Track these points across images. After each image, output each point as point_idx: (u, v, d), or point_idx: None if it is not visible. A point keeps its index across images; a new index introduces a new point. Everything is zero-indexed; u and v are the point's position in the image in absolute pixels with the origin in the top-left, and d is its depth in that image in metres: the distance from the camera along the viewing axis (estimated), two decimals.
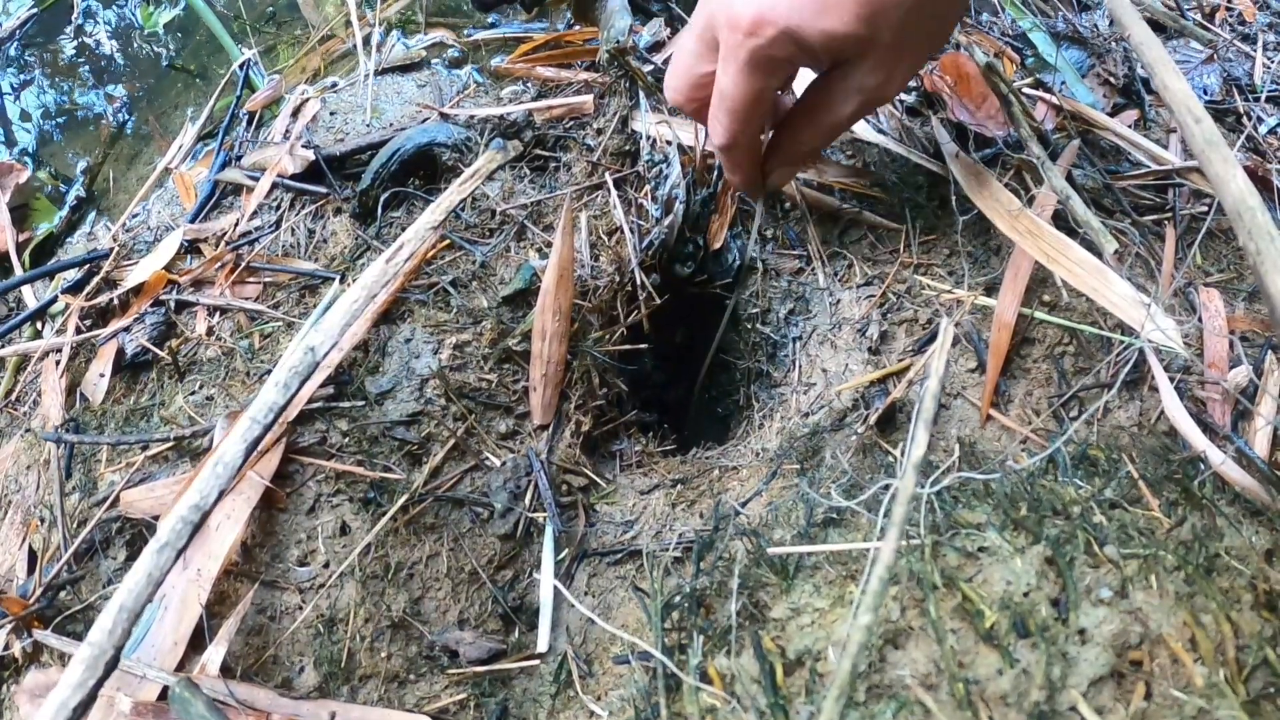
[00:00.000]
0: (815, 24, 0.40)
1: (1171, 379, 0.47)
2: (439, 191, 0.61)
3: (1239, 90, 0.71)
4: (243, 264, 0.65)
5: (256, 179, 0.71)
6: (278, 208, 0.69)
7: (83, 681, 0.33)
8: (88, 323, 0.66)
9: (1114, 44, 0.74)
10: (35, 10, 1.01)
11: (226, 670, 0.45)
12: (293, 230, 0.67)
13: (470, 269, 0.60)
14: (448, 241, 0.61)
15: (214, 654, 0.45)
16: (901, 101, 0.67)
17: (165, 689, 0.43)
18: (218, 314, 0.63)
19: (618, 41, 0.67)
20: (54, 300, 0.69)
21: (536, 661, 0.48)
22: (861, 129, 0.64)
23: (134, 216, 0.77)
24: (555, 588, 0.50)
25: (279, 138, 0.75)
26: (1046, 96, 0.66)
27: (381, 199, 0.65)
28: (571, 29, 0.81)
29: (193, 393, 0.58)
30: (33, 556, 0.56)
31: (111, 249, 0.70)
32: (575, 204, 0.64)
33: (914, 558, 0.40)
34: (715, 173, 0.64)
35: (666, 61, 0.71)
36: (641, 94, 0.67)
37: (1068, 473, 0.44)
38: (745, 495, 0.54)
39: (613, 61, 0.68)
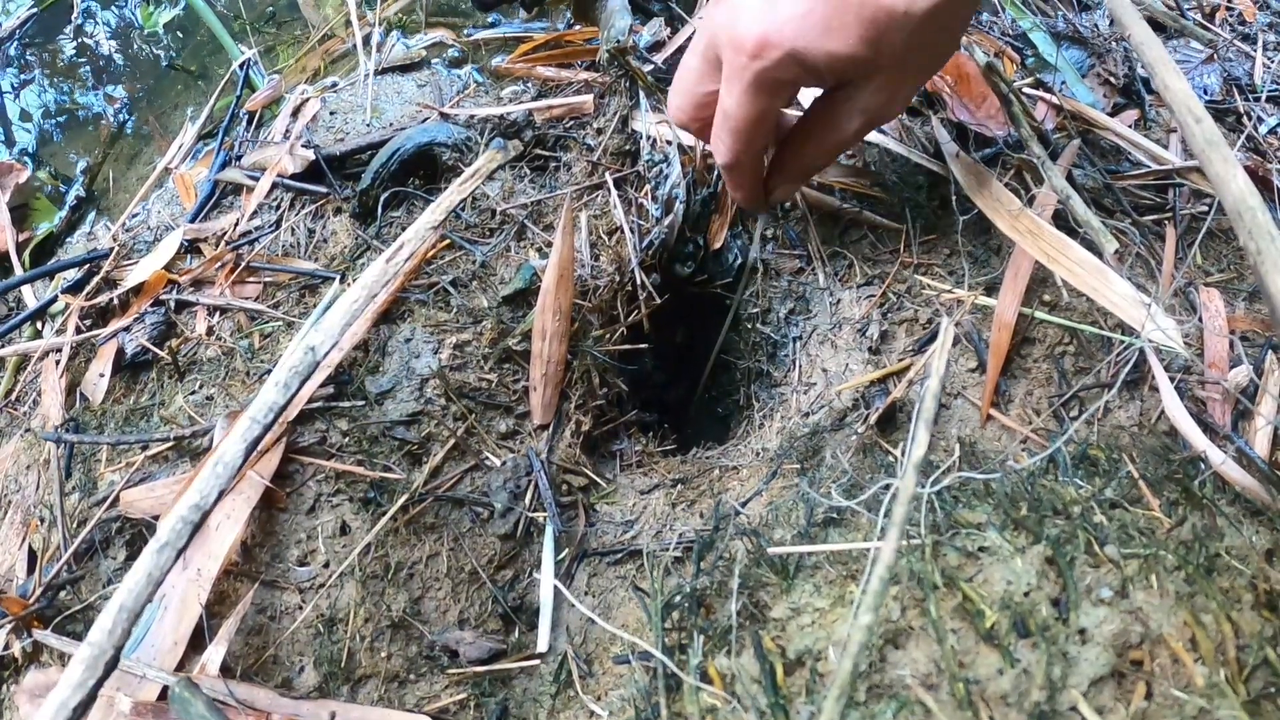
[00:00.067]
0: (820, 46, 0.40)
1: (1172, 379, 0.47)
2: (439, 191, 0.61)
3: (1239, 90, 0.71)
4: (243, 264, 0.65)
5: (256, 179, 0.71)
6: (278, 207, 0.69)
7: (82, 681, 0.33)
8: (88, 322, 0.66)
9: (1114, 44, 0.74)
10: (35, 10, 1.01)
11: (226, 670, 0.45)
12: (293, 230, 0.67)
13: (470, 269, 0.60)
14: (448, 241, 0.61)
15: (214, 654, 0.45)
16: None
17: (165, 689, 0.43)
18: (218, 314, 0.63)
19: (618, 41, 0.67)
20: (54, 300, 0.69)
21: (536, 661, 0.48)
22: None
23: (134, 216, 0.77)
24: (555, 587, 0.50)
25: (279, 137, 0.75)
26: (1047, 96, 0.66)
27: (381, 199, 0.65)
28: (572, 29, 0.81)
29: (193, 392, 0.58)
30: (32, 556, 0.56)
31: (111, 249, 0.70)
32: (575, 204, 0.64)
33: (914, 557, 0.40)
34: (715, 173, 0.64)
35: (667, 61, 0.71)
36: (642, 94, 0.67)
37: (1068, 472, 0.44)
38: (745, 495, 0.54)
39: (613, 61, 0.68)
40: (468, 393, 0.56)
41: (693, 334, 0.77)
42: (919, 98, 0.66)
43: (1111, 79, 0.71)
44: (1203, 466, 0.43)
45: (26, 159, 0.90)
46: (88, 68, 0.97)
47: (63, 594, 0.52)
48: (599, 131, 0.67)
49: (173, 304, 0.64)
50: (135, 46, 0.98)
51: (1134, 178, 0.60)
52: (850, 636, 0.27)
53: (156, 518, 0.52)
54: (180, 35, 0.98)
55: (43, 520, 0.56)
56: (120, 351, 0.62)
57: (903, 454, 0.50)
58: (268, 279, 0.64)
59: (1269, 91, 0.71)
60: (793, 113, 0.53)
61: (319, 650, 0.48)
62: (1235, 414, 0.46)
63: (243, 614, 0.47)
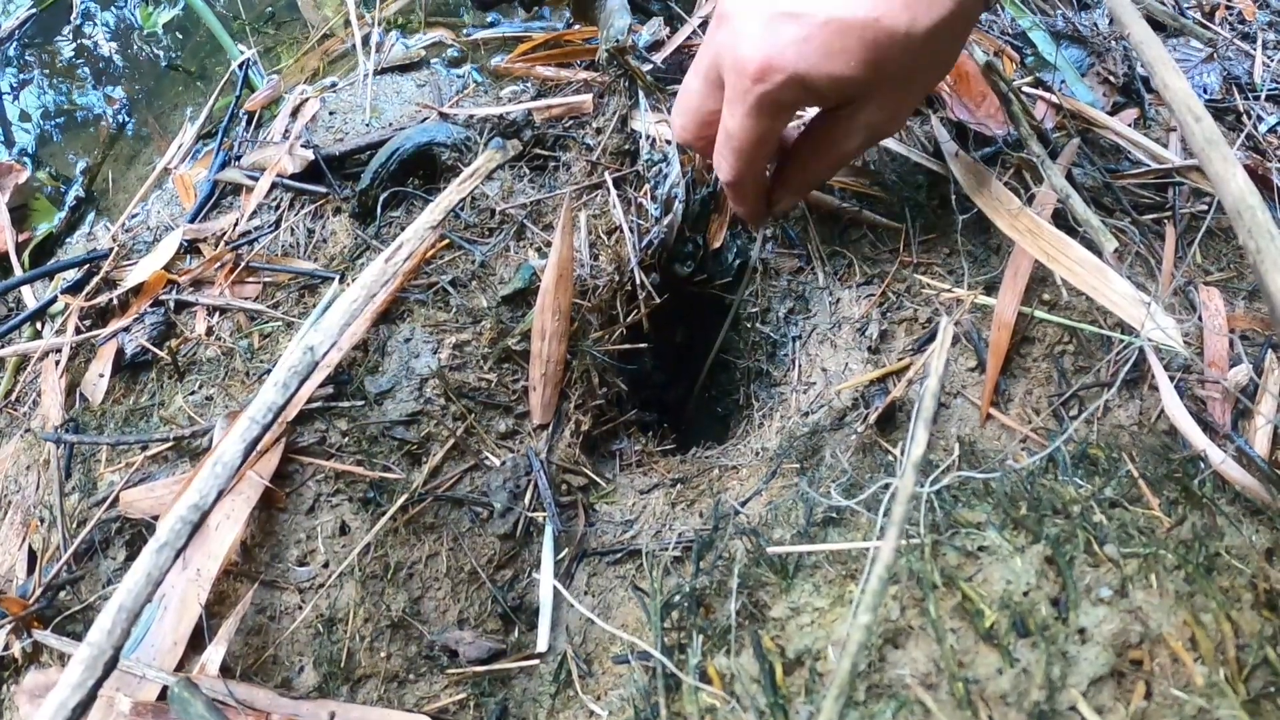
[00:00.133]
0: (822, 70, 0.41)
1: (1171, 378, 0.47)
2: (438, 191, 0.61)
3: (1239, 89, 0.71)
4: (242, 264, 0.65)
5: (256, 179, 0.71)
6: (277, 207, 0.69)
7: (82, 682, 0.33)
8: (87, 323, 0.66)
9: (1114, 42, 0.74)
10: (34, 11, 1.01)
11: (226, 670, 0.45)
12: (292, 230, 0.67)
13: (470, 268, 0.60)
14: (447, 241, 0.61)
15: (213, 654, 0.45)
16: None
17: (165, 689, 0.43)
18: (217, 314, 0.63)
19: (617, 41, 0.66)
20: (53, 300, 0.69)
21: (536, 661, 0.48)
22: None
23: (133, 217, 0.77)
24: (555, 587, 0.50)
25: (278, 137, 0.75)
26: (1046, 95, 0.66)
27: (381, 198, 0.65)
28: (571, 28, 0.81)
29: (192, 393, 0.58)
30: (32, 557, 0.56)
31: (111, 249, 0.70)
32: (575, 203, 0.64)
33: (914, 557, 0.40)
34: (715, 173, 0.64)
35: (666, 61, 0.70)
36: (641, 93, 0.67)
37: (1068, 472, 0.44)
38: (745, 494, 0.53)
39: (612, 61, 0.68)
40: (467, 392, 0.56)
41: (692, 334, 0.77)
42: None
43: (1111, 78, 0.71)
44: (1202, 465, 0.43)
45: (26, 159, 0.90)
46: (87, 68, 0.97)
47: (62, 594, 0.52)
48: (598, 131, 0.67)
49: (172, 304, 0.64)
50: (134, 47, 0.98)
51: (1133, 176, 0.60)
52: (849, 636, 0.27)
53: (156, 518, 0.52)
54: (179, 35, 0.98)
55: (42, 520, 0.56)
56: (120, 352, 0.62)
57: (902, 453, 0.50)
58: (267, 279, 0.64)
59: (1268, 90, 0.71)
60: (793, 131, 0.54)
61: (318, 650, 0.48)
62: (1235, 413, 0.46)
63: (242, 614, 0.47)
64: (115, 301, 0.66)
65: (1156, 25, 0.78)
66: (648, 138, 0.65)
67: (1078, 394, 0.49)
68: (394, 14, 0.89)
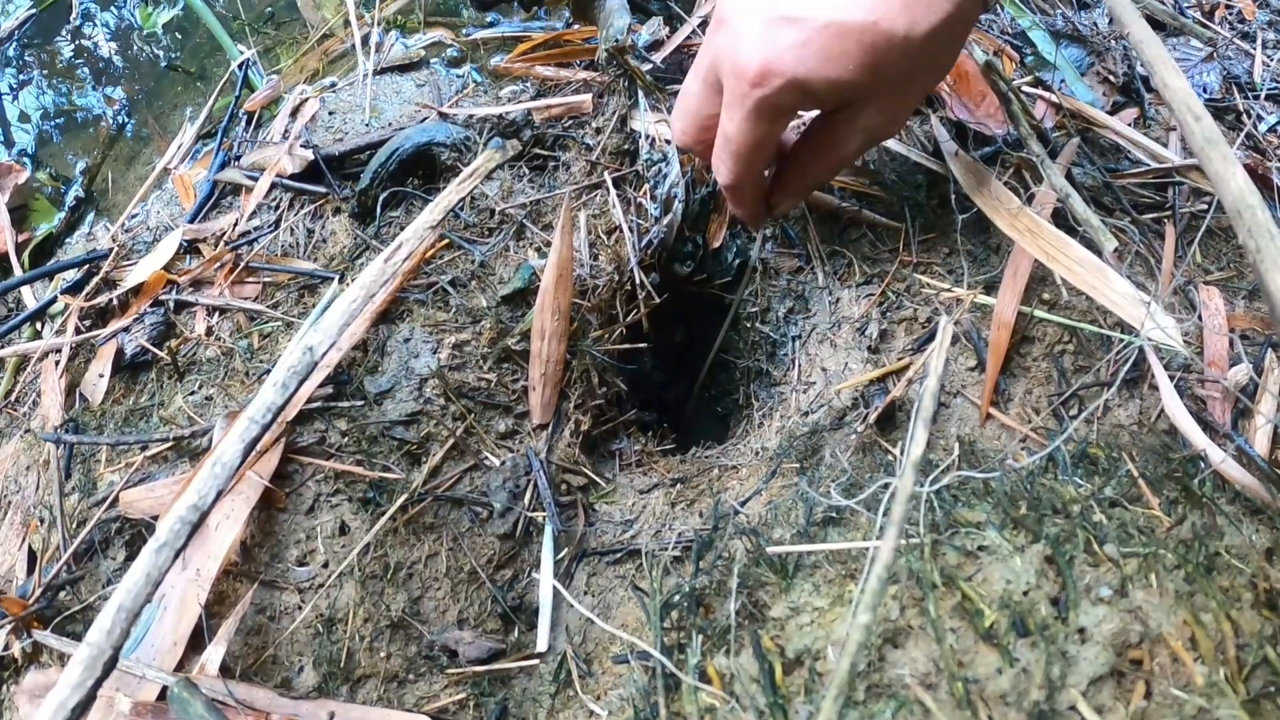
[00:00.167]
0: (821, 73, 0.40)
1: (1171, 377, 0.47)
2: (438, 191, 0.61)
3: (1238, 88, 0.71)
4: (242, 264, 0.65)
5: (255, 179, 0.71)
6: (277, 208, 0.69)
7: (81, 682, 0.33)
8: (87, 323, 0.66)
9: (1113, 42, 0.74)
10: (34, 11, 1.01)
11: (226, 670, 0.45)
12: (292, 230, 0.67)
13: (469, 268, 0.60)
14: (446, 241, 0.61)
15: (213, 654, 0.45)
16: None
17: (164, 689, 0.43)
18: (217, 314, 0.63)
19: (616, 40, 0.66)
20: (53, 301, 0.69)
21: (536, 661, 0.48)
22: None
23: (133, 217, 0.77)
24: (554, 587, 0.50)
25: (278, 138, 0.75)
26: (1046, 95, 0.66)
27: (380, 198, 0.65)
28: (570, 28, 0.81)
29: (192, 393, 0.58)
30: (32, 557, 0.56)
31: (111, 249, 0.70)
32: (574, 203, 0.64)
33: (913, 557, 0.40)
34: (713, 176, 0.64)
35: (665, 60, 0.70)
36: (640, 93, 0.67)
37: (1067, 471, 0.44)
38: (745, 494, 0.53)
39: (611, 60, 0.68)
40: (467, 392, 0.56)
41: (692, 333, 0.77)
42: None
43: (1111, 77, 0.71)
44: (1202, 465, 0.43)
45: (26, 160, 0.90)
46: (86, 69, 0.97)
47: (62, 594, 0.52)
48: (598, 131, 0.67)
49: (172, 304, 0.64)
50: (134, 47, 0.98)
51: (1133, 176, 0.60)
52: (849, 636, 0.27)
53: (156, 518, 0.52)
54: (179, 36, 0.98)
55: (42, 521, 0.56)
56: (120, 352, 0.62)
57: (902, 453, 0.50)
58: (267, 279, 0.64)
59: (1268, 89, 0.71)
60: (792, 135, 0.54)
61: (318, 650, 0.48)
62: (1235, 412, 0.46)
63: (242, 614, 0.47)
64: (115, 302, 0.66)
65: (1156, 24, 0.78)
66: (647, 137, 0.65)
67: (1077, 393, 0.49)
68: (393, 14, 0.89)
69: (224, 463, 0.39)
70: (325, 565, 0.50)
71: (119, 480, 0.55)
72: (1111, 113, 0.66)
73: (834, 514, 0.47)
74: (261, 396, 0.42)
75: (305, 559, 0.50)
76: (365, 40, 0.83)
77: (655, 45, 0.73)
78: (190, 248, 0.69)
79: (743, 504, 0.52)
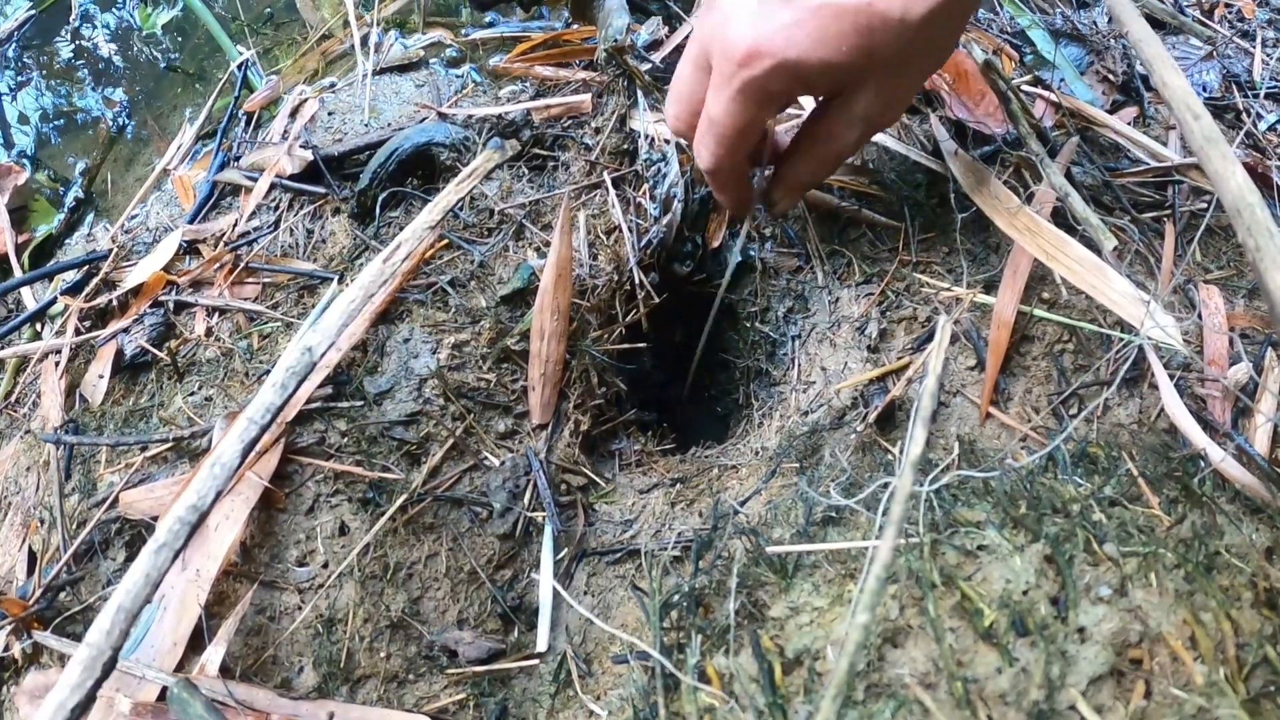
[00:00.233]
0: (813, 56, 0.40)
1: (1171, 376, 0.46)
2: (437, 191, 0.61)
3: (1238, 87, 0.71)
4: (241, 264, 0.65)
5: (255, 179, 0.71)
6: (276, 208, 0.69)
7: (81, 682, 0.33)
8: (87, 324, 0.66)
9: (1113, 41, 0.74)
10: (33, 12, 1.01)
11: (225, 671, 0.45)
12: (291, 230, 0.67)
13: (468, 268, 0.60)
14: (446, 241, 0.61)
15: (213, 654, 0.45)
16: None
17: (164, 689, 0.43)
18: (216, 315, 0.63)
19: (615, 40, 0.66)
20: (53, 302, 0.69)
21: (536, 661, 0.48)
22: None
23: (133, 218, 0.77)
24: (554, 587, 0.50)
25: (277, 138, 0.75)
26: (1045, 94, 0.65)
27: (380, 199, 0.65)
28: (569, 28, 0.81)
29: (191, 393, 0.58)
30: (32, 558, 0.56)
31: (110, 250, 0.70)
32: (573, 203, 0.64)
33: (913, 556, 0.40)
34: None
35: (664, 60, 0.70)
36: (639, 93, 0.67)
37: (1067, 470, 0.44)
38: (744, 494, 0.53)
39: (610, 60, 0.68)
40: (466, 392, 0.56)
41: (691, 333, 0.77)
42: (917, 96, 0.66)
43: (1110, 76, 0.71)
44: (1202, 464, 0.43)
45: (25, 161, 0.90)
46: (86, 70, 0.97)
47: (62, 595, 0.52)
48: (597, 131, 0.67)
49: (171, 305, 0.64)
50: (133, 48, 0.98)
51: (1133, 175, 0.60)
52: (848, 635, 0.27)
53: (156, 519, 0.52)
54: (178, 37, 0.98)
55: (42, 522, 0.57)
56: (119, 353, 0.62)
57: (902, 452, 0.50)
58: (266, 280, 0.64)
59: (1268, 88, 0.71)
60: (785, 137, 0.53)
61: (318, 651, 0.48)
62: (1235, 411, 0.46)
63: (242, 614, 0.47)
64: (115, 302, 0.66)
65: (1155, 23, 0.78)
66: (646, 137, 0.65)
67: (1077, 392, 0.49)
68: (392, 14, 0.89)
69: (223, 463, 0.39)
70: (325, 565, 0.50)
71: (119, 481, 0.55)
72: (1111, 111, 0.66)
73: (833, 513, 0.47)
74: (261, 397, 0.42)
75: (305, 559, 0.50)
76: (364, 41, 0.83)
77: (654, 45, 0.73)
78: (190, 248, 0.69)
79: (742, 504, 0.52)
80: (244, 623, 0.48)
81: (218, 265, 0.66)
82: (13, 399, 0.67)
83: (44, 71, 0.97)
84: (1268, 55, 0.75)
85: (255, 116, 0.81)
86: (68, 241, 0.83)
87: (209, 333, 0.62)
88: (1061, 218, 0.52)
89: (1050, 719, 0.33)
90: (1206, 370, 0.47)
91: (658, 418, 0.70)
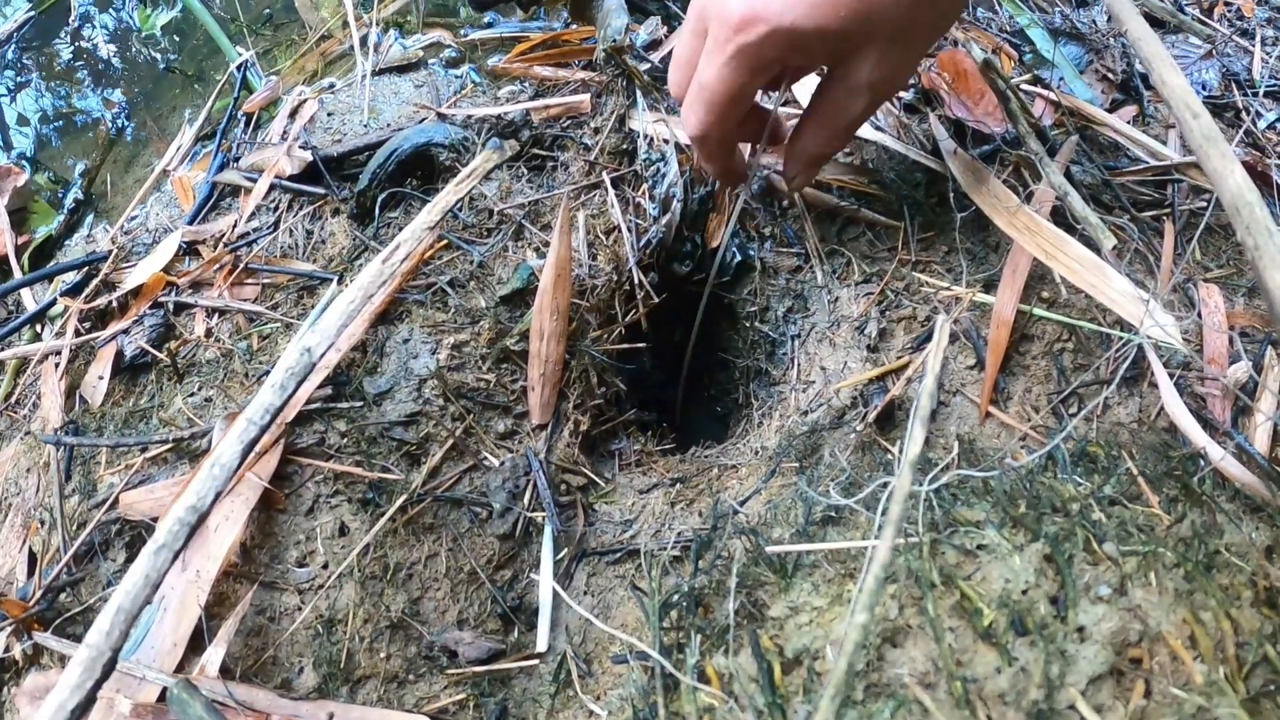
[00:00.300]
0: (809, 21, 0.39)
1: (1171, 375, 0.46)
2: (436, 192, 0.61)
3: (1237, 85, 0.71)
4: (241, 265, 0.65)
5: (254, 180, 0.71)
6: (276, 209, 0.69)
7: (81, 683, 0.33)
8: (87, 325, 0.66)
9: (1112, 40, 0.74)
10: (32, 13, 1.01)
11: (225, 671, 0.45)
12: (291, 231, 0.67)
13: (468, 269, 0.60)
14: (445, 241, 0.61)
15: (213, 655, 0.45)
16: (899, 99, 0.66)
17: (164, 690, 0.43)
18: (216, 315, 0.63)
19: (614, 40, 0.66)
20: (53, 303, 0.69)
21: (535, 661, 0.48)
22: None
23: (132, 219, 0.77)
24: (554, 588, 0.50)
25: (276, 139, 0.75)
26: (1044, 93, 0.65)
27: (379, 199, 0.65)
28: (568, 28, 0.81)
29: (191, 394, 0.58)
30: (32, 559, 0.56)
31: (110, 251, 0.70)
32: (573, 203, 0.64)
33: (912, 556, 0.40)
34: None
35: (664, 60, 0.70)
36: (639, 92, 0.67)
37: (1067, 469, 0.44)
38: (744, 494, 0.53)
39: (610, 60, 0.68)
40: (466, 393, 0.56)
41: (691, 333, 0.77)
42: (917, 95, 0.66)
43: (1109, 75, 0.71)
44: (1202, 463, 0.42)
45: (24, 162, 0.90)
46: (85, 71, 0.97)
47: (63, 596, 0.52)
48: (596, 131, 0.67)
49: (171, 306, 0.64)
50: (133, 49, 0.99)
51: (1132, 174, 0.60)
52: (847, 635, 0.27)
53: (155, 519, 0.52)
54: (177, 38, 0.99)
55: (43, 523, 0.57)
56: (119, 354, 0.62)
57: (901, 452, 0.50)
58: (266, 280, 0.64)
59: (1267, 87, 0.71)
60: (787, 129, 0.53)
61: (318, 651, 0.48)
62: (1235, 410, 0.46)
63: (242, 615, 0.47)
64: (114, 304, 0.66)
65: (1155, 22, 0.78)
66: (646, 137, 0.65)
67: (1077, 391, 0.49)
68: (392, 15, 0.89)
69: (223, 464, 0.39)
70: (325, 566, 0.50)
71: (119, 482, 0.55)
72: (1110, 110, 0.66)
73: (833, 513, 0.47)
74: (260, 398, 0.42)
75: (305, 560, 0.50)
76: (363, 41, 0.83)
77: (653, 45, 0.73)
78: (189, 249, 0.69)
79: (742, 503, 0.52)
80: (244, 623, 0.48)
81: (217, 266, 0.66)
82: (13, 400, 0.67)
83: (43, 73, 0.97)
84: (1267, 54, 0.75)
85: (254, 117, 0.81)
86: (67, 243, 0.84)
87: (209, 334, 0.62)
88: (1061, 217, 0.52)
89: (1050, 718, 0.33)
90: (1206, 369, 0.47)
91: (657, 417, 0.70)
